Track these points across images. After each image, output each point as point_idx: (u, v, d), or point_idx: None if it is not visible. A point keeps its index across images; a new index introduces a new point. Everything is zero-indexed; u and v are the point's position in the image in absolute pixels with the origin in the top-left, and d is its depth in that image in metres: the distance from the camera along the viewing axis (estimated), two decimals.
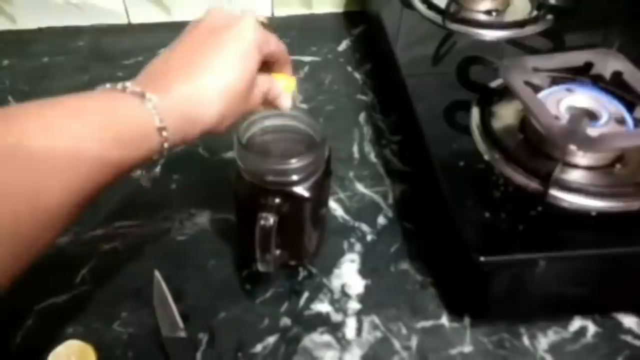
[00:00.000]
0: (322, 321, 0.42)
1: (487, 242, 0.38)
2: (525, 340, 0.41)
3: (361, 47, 0.69)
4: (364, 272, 0.45)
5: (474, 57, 0.53)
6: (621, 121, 0.42)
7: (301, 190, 0.37)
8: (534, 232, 0.38)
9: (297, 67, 0.41)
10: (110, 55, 0.67)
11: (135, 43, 0.69)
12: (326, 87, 0.63)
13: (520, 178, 0.41)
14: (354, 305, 0.43)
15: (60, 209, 0.27)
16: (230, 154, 0.53)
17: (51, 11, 0.71)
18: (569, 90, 0.44)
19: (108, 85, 0.31)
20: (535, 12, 0.59)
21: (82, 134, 0.27)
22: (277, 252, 0.41)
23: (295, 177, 0.37)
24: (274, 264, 0.39)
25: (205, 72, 0.32)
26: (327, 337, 0.41)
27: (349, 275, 0.45)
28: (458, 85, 0.51)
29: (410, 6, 0.61)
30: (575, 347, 0.40)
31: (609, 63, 0.45)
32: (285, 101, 0.39)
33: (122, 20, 0.73)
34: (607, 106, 0.43)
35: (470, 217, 0.39)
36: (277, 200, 0.37)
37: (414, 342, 0.41)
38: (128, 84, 0.31)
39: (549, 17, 0.58)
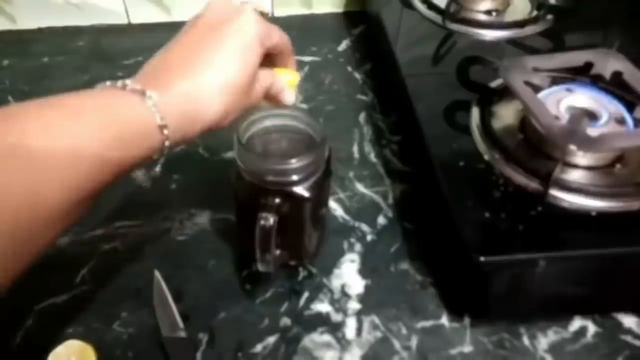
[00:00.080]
0: (322, 321, 0.42)
1: (487, 242, 0.38)
2: (525, 340, 0.41)
3: (361, 47, 0.69)
4: (364, 272, 0.45)
5: (474, 57, 0.53)
6: (621, 121, 0.42)
7: (301, 190, 0.37)
8: (534, 232, 0.38)
9: (297, 67, 0.41)
10: (110, 55, 0.67)
11: (135, 43, 0.69)
12: (326, 87, 0.63)
13: (520, 178, 0.41)
14: (354, 305, 0.43)
15: (60, 208, 0.27)
16: (230, 154, 0.53)
17: (51, 11, 0.71)
18: (569, 90, 0.44)
19: (108, 83, 0.31)
20: (535, 12, 0.59)
21: (82, 134, 0.27)
22: (277, 252, 0.41)
23: (295, 177, 0.37)
24: (274, 264, 0.39)
25: (205, 69, 0.32)
26: (327, 337, 0.41)
27: (349, 275, 0.45)
28: (458, 85, 0.51)
29: (410, 6, 0.61)
30: (575, 347, 0.40)
31: (609, 63, 0.45)
32: (289, 96, 0.39)
33: (122, 20, 0.73)
34: (607, 106, 0.43)
35: (470, 217, 0.39)
36: (277, 200, 0.37)
37: (414, 342, 0.41)
38: (128, 81, 0.30)
39: (549, 17, 0.58)
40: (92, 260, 0.46)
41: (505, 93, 0.47)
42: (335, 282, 0.45)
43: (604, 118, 0.42)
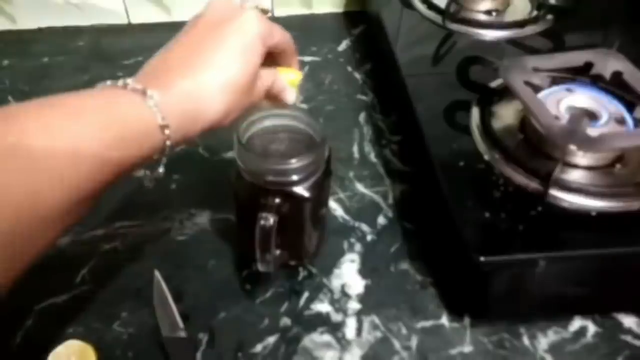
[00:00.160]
0: (322, 321, 0.42)
1: (487, 242, 0.38)
2: (525, 340, 0.41)
3: (361, 47, 0.69)
4: (364, 272, 0.45)
5: (474, 57, 0.53)
6: (621, 121, 0.42)
7: (301, 190, 0.37)
8: (534, 232, 0.38)
9: (299, 66, 0.41)
10: (110, 55, 0.67)
11: (135, 43, 0.69)
12: (326, 87, 0.63)
13: (520, 178, 0.41)
14: (354, 305, 0.43)
15: (61, 208, 0.27)
16: (230, 154, 0.53)
17: (51, 11, 0.71)
18: (569, 90, 0.44)
19: (108, 82, 0.31)
20: (535, 12, 0.59)
21: (82, 133, 0.27)
22: (277, 252, 0.41)
23: (295, 177, 0.37)
24: (274, 264, 0.39)
25: (206, 68, 0.32)
26: (327, 337, 0.41)
27: (349, 275, 0.45)
28: (458, 85, 0.51)
29: (410, 6, 0.61)
30: (575, 347, 0.40)
31: (609, 63, 0.45)
32: (290, 95, 0.38)
33: (122, 20, 0.73)
34: (607, 106, 0.43)
35: (470, 217, 0.39)
36: (277, 200, 0.37)
37: (414, 342, 0.41)
38: (129, 80, 0.30)
39: (549, 17, 0.58)
40: (92, 260, 0.46)
41: (505, 93, 0.47)
42: (335, 282, 0.45)
43: (604, 118, 0.42)
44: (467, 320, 0.42)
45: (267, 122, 0.40)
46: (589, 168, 0.41)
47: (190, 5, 0.74)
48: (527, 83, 0.43)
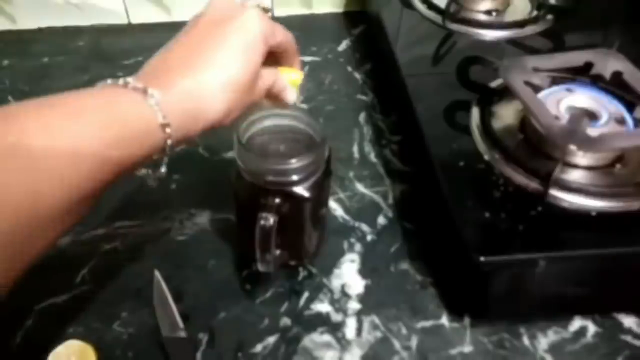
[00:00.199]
0: (322, 321, 0.42)
1: (487, 242, 0.38)
2: (525, 340, 0.41)
3: (361, 47, 0.69)
4: (364, 272, 0.45)
5: (474, 57, 0.53)
6: (621, 121, 0.42)
7: (301, 190, 0.37)
8: (534, 232, 0.38)
9: (301, 66, 0.41)
10: (110, 55, 0.67)
11: (135, 43, 0.69)
12: (326, 87, 0.63)
13: (520, 178, 0.41)
14: (354, 305, 0.43)
15: (61, 207, 0.27)
16: (230, 154, 0.53)
17: (51, 11, 0.71)
18: (569, 90, 0.44)
19: (109, 81, 0.30)
20: (535, 12, 0.59)
21: (83, 133, 0.27)
22: (277, 252, 0.41)
23: (295, 177, 0.37)
24: (274, 264, 0.39)
25: (207, 66, 0.32)
26: (327, 337, 0.41)
27: (349, 275, 0.45)
28: (458, 85, 0.51)
29: (410, 6, 0.61)
30: (575, 347, 0.40)
31: (609, 63, 0.45)
32: (291, 95, 0.38)
33: (122, 20, 0.73)
34: (607, 106, 0.43)
35: (470, 217, 0.39)
36: (277, 200, 0.37)
37: (414, 342, 0.41)
38: (130, 79, 0.30)
39: (549, 17, 0.58)
40: (92, 260, 0.46)
41: (505, 93, 0.47)
42: (335, 282, 0.45)
43: (604, 118, 0.42)
44: (467, 320, 0.42)
45: (267, 122, 0.40)
46: (589, 168, 0.41)
47: (190, 5, 0.74)
48: (527, 83, 0.43)
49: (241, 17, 0.33)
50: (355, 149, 0.56)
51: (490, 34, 0.56)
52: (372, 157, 0.55)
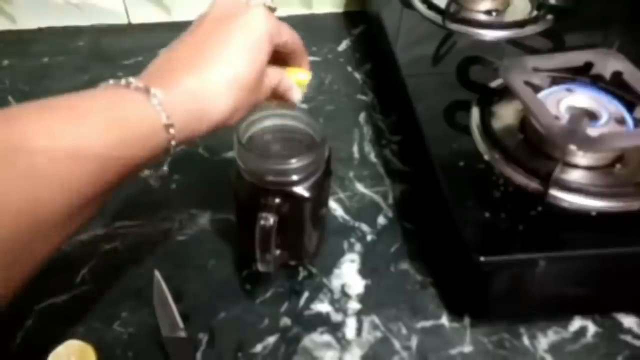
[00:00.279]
0: (322, 321, 0.42)
1: (487, 242, 0.38)
2: (525, 340, 0.41)
3: (361, 47, 0.69)
4: (364, 272, 0.45)
5: (474, 57, 0.53)
6: (621, 121, 0.42)
7: (301, 190, 0.37)
8: (534, 232, 0.38)
9: (310, 66, 0.40)
10: (110, 55, 0.67)
11: (135, 43, 0.69)
12: (326, 87, 0.63)
13: (520, 178, 0.41)
14: (354, 305, 0.43)
15: (63, 212, 0.26)
16: (230, 154, 0.53)
17: (51, 11, 0.71)
18: (569, 90, 0.44)
19: (111, 82, 0.30)
20: (535, 12, 0.59)
21: (85, 135, 0.27)
22: (277, 252, 0.41)
23: (295, 177, 0.37)
24: (274, 264, 0.39)
25: (212, 65, 0.31)
26: (327, 337, 0.41)
27: (349, 275, 0.45)
28: (458, 85, 0.51)
29: (410, 6, 0.61)
30: (575, 347, 0.40)
31: (609, 63, 0.45)
32: (296, 94, 0.38)
33: (122, 20, 0.73)
34: (607, 106, 0.43)
35: (470, 217, 0.39)
36: (277, 200, 0.37)
37: (414, 342, 0.41)
38: (132, 79, 0.30)
39: (549, 17, 0.58)
40: (92, 260, 0.46)
41: (505, 93, 0.47)
42: (335, 282, 0.45)
43: (604, 118, 0.42)
44: (467, 320, 0.42)
45: (267, 122, 0.40)
46: (589, 168, 0.41)
47: (190, 5, 0.74)
48: (527, 83, 0.43)
49: (246, 16, 0.33)
50: (355, 149, 0.56)
51: (490, 34, 0.56)
52: (372, 157, 0.55)
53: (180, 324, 0.40)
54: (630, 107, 0.43)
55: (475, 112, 0.46)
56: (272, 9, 0.35)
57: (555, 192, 0.39)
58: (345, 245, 0.47)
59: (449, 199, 0.40)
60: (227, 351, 0.40)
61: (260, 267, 0.38)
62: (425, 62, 0.55)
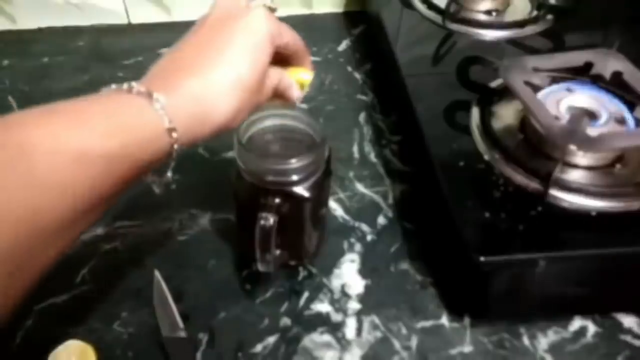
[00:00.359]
0: (322, 321, 0.42)
1: (487, 242, 0.38)
2: (525, 340, 0.41)
3: (361, 47, 0.69)
4: (364, 272, 0.45)
5: (474, 57, 0.53)
6: (621, 121, 0.42)
7: (301, 190, 0.37)
8: (534, 232, 0.38)
9: (313, 66, 0.40)
10: (110, 55, 0.67)
11: (135, 43, 0.69)
12: (326, 87, 0.63)
13: (520, 178, 0.41)
14: (354, 305, 0.43)
15: (65, 220, 0.26)
16: (230, 154, 0.53)
17: (51, 11, 0.71)
18: (569, 90, 0.44)
19: (113, 86, 0.30)
20: (535, 12, 0.59)
21: (87, 141, 0.26)
22: (277, 252, 0.41)
23: (295, 177, 0.37)
24: (274, 264, 0.39)
25: (214, 67, 0.31)
26: (327, 337, 0.41)
27: (349, 275, 0.45)
28: (458, 85, 0.51)
29: (410, 6, 0.61)
30: (575, 347, 0.40)
31: (609, 63, 0.45)
32: (296, 93, 0.38)
33: (122, 20, 0.73)
34: (607, 106, 0.43)
35: (470, 217, 0.39)
36: (277, 200, 0.37)
37: (414, 342, 0.41)
38: (134, 83, 0.29)
39: (549, 17, 0.58)
40: (92, 260, 0.46)
41: (505, 93, 0.47)
42: (335, 282, 0.45)
43: (604, 118, 0.42)
44: (467, 320, 0.42)
45: (267, 122, 0.40)
46: (589, 168, 0.41)
47: (190, 5, 0.74)
48: (527, 83, 0.43)
49: (247, 17, 0.33)
50: (355, 149, 0.56)
51: (490, 34, 0.56)
52: (372, 157, 0.55)
53: (180, 324, 0.40)
54: (630, 107, 0.43)
55: (475, 112, 0.46)
56: (273, 10, 0.35)
57: (555, 192, 0.39)
58: (345, 245, 0.47)
59: (449, 199, 0.40)
60: (227, 351, 0.40)
61: (260, 267, 0.38)
62: (425, 62, 0.55)
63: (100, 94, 0.30)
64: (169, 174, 0.32)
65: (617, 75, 0.44)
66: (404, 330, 0.41)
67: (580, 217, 0.39)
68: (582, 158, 0.41)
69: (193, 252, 0.46)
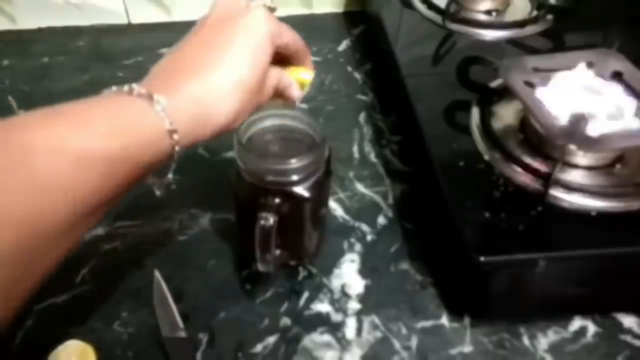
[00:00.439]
0: (322, 321, 0.42)
1: (487, 242, 0.38)
2: (525, 340, 0.41)
3: (361, 47, 0.69)
4: (364, 272, 0.45)
5: (474, 57, 0.53)
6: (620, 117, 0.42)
7: (301, 190, 0.37)
8: (534, 232, 0.38)
9: (313, 65, 0.40)
10: (110, 55, 0.67)
11: (135, 43, 0.69)
12: (326, 87, 0.63)
13: (520, 178, 0.41)
14: (354, 305, 0.43)
15: (67, 223, 0.26)
16: (230, 154, 0.53)
17: (51, 11, 0.71)
18: (568, 90, 0.44)
19: (114, 88, 0.30)
20: (535, 12, 0.59)
21: (88, 144, 0.26)
22: (277, 252, 0.40)
23: (295, 177, 0.37)
24: (274, 264, 0.39)
25: (215, 68, 0.31)
26: (327, 337, 0.41)
27: (349, 275, 0.45)
28: (458, 85, 0.51)
29: (410, 6, 0.61)
30: (575, 347, 0.40)
31: (609, 63, 0.45)
32: (296, 92, 0.38)
33: (122, 20, 0.73)
34: (606, 106, 0.43)
35: (470, 217, 0.39)
36: (277, 200, 0.37)
37: (414, 342, 0.41)
38: (135, 85, 0.29)
39: (549, 17, 0.58)
40: (93, 260, 0.46)
41: (505, 93, 0.47)
42: (335, 282, 0.45)
43: (604, 118, 0.42)
44: (467, 320, 0.42)
45: (267, 122, 0.40)
46: (589, 168, 0.41)
47: (190, 5, 0.74)
48: (527, 83, 0.43)
49: (247, 18, 0.33)
50: (355, 149, 0.56)
51: (490, 34, 0.56)
52: (372, 157, 0.55)
53: (180, 324, 0.40)
54: None
55: (475, 112, 0.46)
56: (272, 10, 0.35)
57: (555, 192, 0.39)
58: (345, 245, 0.47)
59: (449, 199, 0.40)
60: (227, 351, 0.40)
61: (260, 267, 0.38)
62: (425, 62, 0.55)
63: (100, 96, 0.30)
64: (170, 175, 0.32)
65: (617, 75, 0.44)
66: (404, 330, 0.41)
67: (580, 217, 0.39)
68: (582, 158, 0.41)
69: (193, 252, 0.46)
